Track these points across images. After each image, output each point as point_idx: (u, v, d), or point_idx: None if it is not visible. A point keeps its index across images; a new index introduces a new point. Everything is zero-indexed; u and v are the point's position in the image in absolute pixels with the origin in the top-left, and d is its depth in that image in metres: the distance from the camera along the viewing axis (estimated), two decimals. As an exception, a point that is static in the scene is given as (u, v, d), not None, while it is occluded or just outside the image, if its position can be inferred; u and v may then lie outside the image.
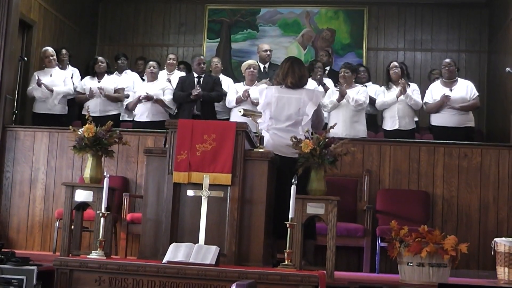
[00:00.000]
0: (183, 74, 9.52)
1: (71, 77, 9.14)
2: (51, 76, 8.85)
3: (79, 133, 5.74)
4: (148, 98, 8.56)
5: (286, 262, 5.00)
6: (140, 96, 8.61)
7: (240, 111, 5.90)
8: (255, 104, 8.13)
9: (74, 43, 10.66)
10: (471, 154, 7.40)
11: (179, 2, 11.82)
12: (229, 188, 5.26)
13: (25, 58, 9.25)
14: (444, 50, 11.17)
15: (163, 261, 4.88)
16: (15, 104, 8.78)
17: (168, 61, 9.60)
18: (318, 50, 11.31)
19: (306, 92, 5.95)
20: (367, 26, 11.42)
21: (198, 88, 8.49)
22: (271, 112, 5.88)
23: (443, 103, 8.06)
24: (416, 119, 8.59)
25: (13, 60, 8.45)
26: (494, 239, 5.94)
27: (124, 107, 9.03)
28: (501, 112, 9.36)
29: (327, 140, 5.45)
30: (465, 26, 11.20)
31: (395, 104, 8.22)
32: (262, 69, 9.22)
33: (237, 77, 10.56)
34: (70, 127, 6.02)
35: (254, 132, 5.76)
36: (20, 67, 9.16)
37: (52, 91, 8.71)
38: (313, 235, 5.82)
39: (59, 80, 8.86)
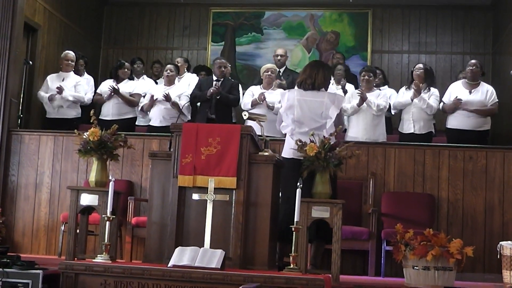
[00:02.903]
0: (193, 76, 9.54)
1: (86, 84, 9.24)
2: (63, 80, 8.88)
3: (84, 136, 5.75)
4: (167, 98, 8.53)
5: (292, 266, 5.00)
6: (155, 98, 8.62)
7: (245, 115, 5.90)
8: (271, 108, 8.16)
9: (78, 46, 10.68)
10: (476, 156, 7.39)
11: (184, 6, 11.83)
12: (234, 191, 5.26)
13: (30, 62, 9.28)
14: (448, 52, 11.16)
15: (169, 265, 4.89)
16: (20, 108, 8.79)
17: (178, 64, 9.61)
18: (323, 53, 11.32)
19: (328, 95, 5.94)
20: (372, 28, 11.42)
21: (217, 85, 8.47)
22: (294, 115, 5.86)
23: (456, 106, 8.04)
24: (433, 121, 8.55)
25: (18, 63, 8.47)
26: (500, 242, 5.91)
27: (140, 108, 9.03)
28: (506, 115, 9.34)
29: (332, 143, 5.45)
30: (469, 28, 11.20)
31: (410, 107, 8.19)
32: (277, 73, 9.23)
33: (242, 80, 10.58)
34: (75, 130, 6.02)
35: (259, 136, 5.76)
36: (25, 70, 9.16)
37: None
38: (329, 239, 5.78)
39: (70, 85, 8.88)
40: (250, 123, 6.46)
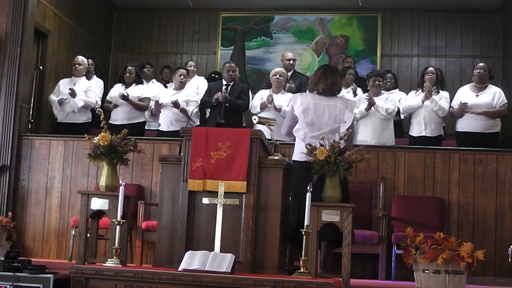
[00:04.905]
0: (201, 79, 9.57)
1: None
2: (74, 85, 8.91)
3: (94, 141, 5.76)
4: (175, 105, 8.55)
5: (302, 270, 4.99)
6: (161, 103, 8.68)
7: (254, 119, 5.90)
8: (278, 110, 8.18)
9: (88, 51, 10.73)
10: (486, 160, 7.37)
11: (193, 10, 11.86)
12: (244, 195, 5.25)
13: (41, 67, 9.33)
14: (458, 55, 11.14)
15: (179, 269, 4.89)
16: (30, 113, 8.83)
17: (189, 68, 9.65)
18: (332, 57, 11.32)
19: (341, 100, 5.93)
20: (381, 32, 11.41)
21: (225, 92, 8.48)
22: (308, 118, 5.84)
23: (462, 110, 8.03)
24: (443, 124, 8.54)
25: (29, 68, 8.50)
26: (511, 245, 5.90)
27: (149, 113, 9.08)
28: (516, 118, 9.31)
29: (341, 147, 5.44)
30: (479, 31, 11.17)
31: (421, 110, 8.18)
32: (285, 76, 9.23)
33: (252, 84, 10.59)
34: (86, 135, 6.04)
35: (269, 139, 5.76)
36: (35, 75, 9.22)
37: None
38: (339, 242, 5.79)
39: (81, 90, 8.91)
40: (260, 127, 6.46)
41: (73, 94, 8.78)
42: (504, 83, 10.50)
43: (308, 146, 5.46)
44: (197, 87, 9.24)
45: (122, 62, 11.24)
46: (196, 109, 8.54)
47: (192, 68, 9.71)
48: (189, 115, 8.48)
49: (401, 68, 11.12)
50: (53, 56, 9.92)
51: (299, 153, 5.80)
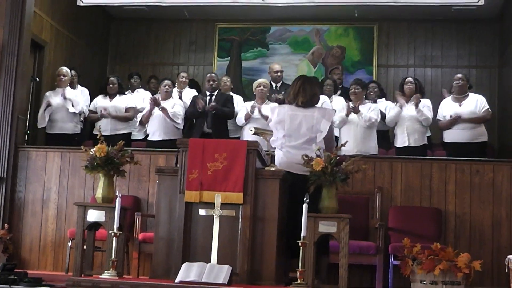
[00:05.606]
0: (193, 91, 9.58)
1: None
2: (61, 96, 8.88)
3: (91, 153, 5.76)
4: (156, 103, 8.54)
5: (299, 281, 4.98)
6: (151, 105, 8.69)
7: (251, 130, 5.90)
8: (265, 117, 8.16)
9: (85, 62, 10.73)
10: (483, 170, 7.37)
11: (190, 21, 11.86)
12: (241, 206, 5.25)
13: (37, 78, 9.32)
14: (454, 66, 11.14)
15: (176, 281, 4.88)
16: (27, 124, 8.82)
17: (181, 79, 9.67)
18: (329, 68, 11.33)
19: (319, 110, 5.95)
20: (377, 43, 11.44)
21: (214, 103, 8.54)
22: (284, 129, 5.87)
23: (454, 122, 8.06)
24: (428, 134, 8.56)
25: (25, 80, 8.50)
26: (508, 256, 5.90)
27: (138, 123, 9.05)
28: (512, 128, 9.32)
29: (338, 158, 5.45)
30: (475, 41, 11.20)
31: (404, 120, 8.20)
32: (274, 88, 9.24)
33: (248, 95, 10.57)
34: (82, 147, 6.05)
35: (265, 151, 5.77)
36: (32, 87, 9.21)
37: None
38: (327, 252, 5.80)
39: (69, 100, 8.88)
40: (256, 138, 6.45)
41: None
42: (501, 92, 10.53)
43: (304, 157, 5.47)
44: (189, 99, 9.23)
45: (119, 73, 11.20)
46: (181, 114, 8.61)
47: (183, 79, 9.70)
48: (169, 114, 8.53)
49: (397, 78, 11.09)
50: (50, 68, 9.91)
51: (277, 162, 5.85)
